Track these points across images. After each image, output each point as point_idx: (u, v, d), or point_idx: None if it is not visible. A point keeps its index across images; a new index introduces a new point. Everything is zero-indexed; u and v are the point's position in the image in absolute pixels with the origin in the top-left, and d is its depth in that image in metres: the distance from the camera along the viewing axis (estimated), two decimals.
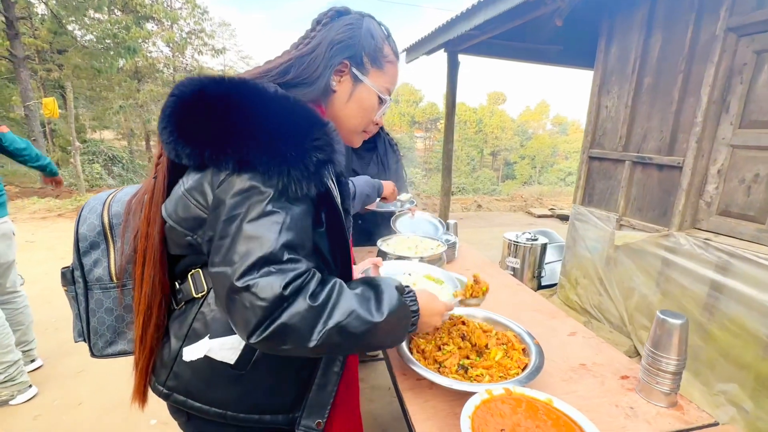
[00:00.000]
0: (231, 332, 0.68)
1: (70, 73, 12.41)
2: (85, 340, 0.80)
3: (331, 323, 0.57)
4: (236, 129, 0.58)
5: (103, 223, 0.77)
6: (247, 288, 0.53)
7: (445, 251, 1.84)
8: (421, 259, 1.73)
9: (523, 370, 1.02)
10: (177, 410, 0.76)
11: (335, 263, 0.72)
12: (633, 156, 2.39)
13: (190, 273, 0.72)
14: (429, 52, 4.78)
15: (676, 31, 2.12)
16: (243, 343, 0.69)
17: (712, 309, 1.90)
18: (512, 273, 3.37)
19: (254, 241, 0.55)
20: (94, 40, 12.11)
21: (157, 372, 0.75)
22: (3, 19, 9.51)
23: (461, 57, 4.87)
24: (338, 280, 0.62)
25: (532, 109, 35.31)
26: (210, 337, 0.69)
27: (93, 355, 0.81)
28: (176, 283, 0.76)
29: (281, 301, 0.54)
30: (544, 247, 3.28)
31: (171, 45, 14.90)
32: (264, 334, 0.53)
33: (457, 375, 0.99)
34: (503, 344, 1.09)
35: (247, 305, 0.54)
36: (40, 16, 12.22)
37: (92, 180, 11.23)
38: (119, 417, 1.95)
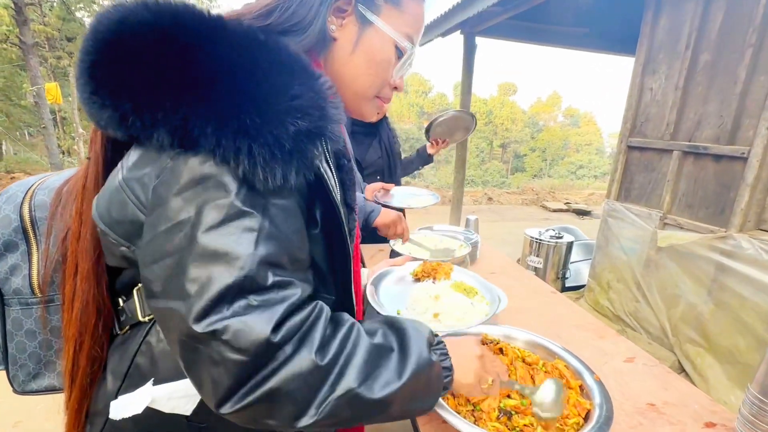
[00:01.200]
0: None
1: None
2: (4, 370, 0.62)
3: (340, 391, 0.41)
4: (166, 76, 0.40)
5: (22, 216, 0.59)
6: (213, 334, 0.37)
7: (468, 252, 1.60)
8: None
9: (584, 418, 0.77)
10: None
11: (333, 277, 0.56)
12: (684, 145, 2.09)
13: (136, 287, 0.55)
14: (444, 34, 4.49)
15: None
16: None
17: None
18: (534, 273, 3.12)
19: (218, 260, 0.38)
20: None
21: (92, 419, 0.57)
22: (12, 5, 9.48)
23: (478, 40, 4.58)
24: (355, 323, 0.47)
25: (543, 101, 34.71)
26: (155, 382, 0.51)
27: (15, 390, 0.63)
28: (120, 300, 0.58)
29: (270, 352, 0.38)
30: (570, 245, 3.02)
31: None
32: (241, 404, 0.38)
33: (498, 423, 0.75)
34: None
35: (216, 359, 0.37)
36: (48, 2, 12.23)
37: None
38: None
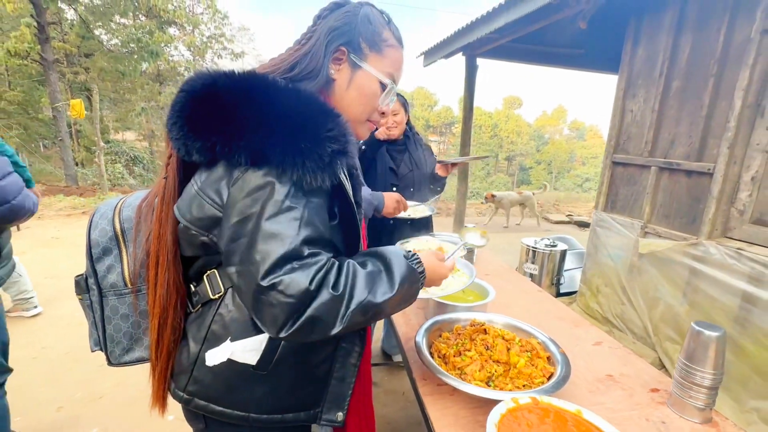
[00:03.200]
0: (251, 333, 0.68)
1: (96, 76, 12.87)
2: (101, 349, 0.79)
3: (353, 306, 0.58)
4: (248, 120, 0.58)
5: (114, 228, 0.76)
6: (273, 286, 0.54)
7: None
8: None
9: (548, 379, 0.99)
10: (194, 416, 0.75)
11: (348, 255, 0.71)
12: (660, 161, 2.31)
13: (206, 274, 0.71)
14: (447, 56, 4.76)
15: (708, 33, 2.05)
16: (264, 344, 0.68)
17: (744, 322, 1.82)
18: (530, 279, 3.30)
19: (274, 239, 0.55)
20: (119, 44, 12.55)
21: (176, 377, 0.74)
22: (35, 23, 9.92)
23: (479, 60, 4.83)
24: (350, 262, 0.63)
25: (549, 114, 34.83)
26: (231, 340, 0.68)
27: (110, 363, 0.80)
28: (192, 285, 0.75)
29: (307, 296, 0.55)
30: (563, 253, 3.21)
31: (192, 49, 15.29)
32: (293, 329, 0.55)
33: (480, 383, 0.96)
34: (527, 351, 1.07)
35: (275, 303, 0.54)
36: (69, 21, 12.71)
37: (114, 179, 11.59)
38: (139, 411, 1.99)
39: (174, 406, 0.79)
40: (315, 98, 0.63)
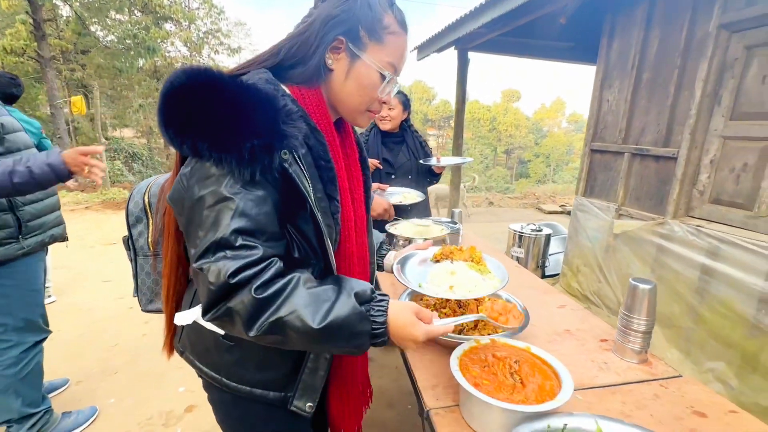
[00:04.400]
0: None
1: (93, 73, 12.88)
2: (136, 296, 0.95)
3: (273, 318, 0.58)
4: (190, 116, 0.60)
5: (144, 201, 0.90)
6: (201, 270, 0.58)
7: (448, 234, 1.99)
8: (425, 240, 1.88)
9: None
10: (190, 365, 0.84)
11: (318, 247, 0.71)
12: (632, 148, 2.49)
13: None
14: (440, 50, 4.87)
15: (673, 28, 2.21)
16: None
17: (702, 292, 2.00)
18: (517, 262, 3.48)
19: (210, 226, 0.59)
20: (116, 40, 12.54)
21: (177, 331, 0.87)
22: (31, 21, 9.94)
23: (471, 54, 4.96)
24: (300, 276, 0.62)
25: (547, 107, 34.78)
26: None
27: (142, 309, 0.97)
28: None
29: (228, 288, 0.57)
30: (548, 237, 3.39)
31: (188, 45, 15.28)
32: (214, 316, 0.59)
33: (452, 333, 1.14)
34: (496, 308, 1.24)
35: (202, 285, 0.59)
36: (64, 17, 12.66)
37: (114, 176, 11.68)
38: (151, 384, 2.17)
39: (185, 379, 0.94)
40: (252, 91, 0.61)
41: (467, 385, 0.79)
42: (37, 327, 1.70)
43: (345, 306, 0.61)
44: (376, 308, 0.65)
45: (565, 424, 0.73)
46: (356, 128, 0.93)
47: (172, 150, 0.75)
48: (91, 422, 1.88)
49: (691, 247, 2.04)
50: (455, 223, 2.21)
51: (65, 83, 13.33)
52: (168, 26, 13.76)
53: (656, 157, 2.32)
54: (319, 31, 0.69)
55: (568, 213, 8.20)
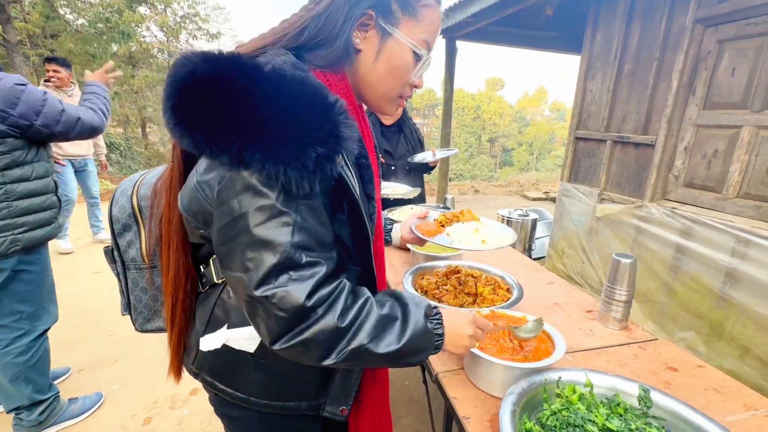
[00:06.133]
0: (248, 322, 0.63)
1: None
2: (129, 314, 0.83)
3: (354, 345, 0.54)
4: (228, 117, 0.50)
5: (132, 205, 0.76)
6: (267, 298, 0.50)
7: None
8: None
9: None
10: (205, 387, 0.77)
11: (358, 252, 0.66)
12: (614, 136, 2.63)
13: (212, 258, 0.71)
14: None
15: (653, 21, 2.33)
16: None
17: (675, 269, 2.18)
18: None
19: (266, 247, 0.51)
20: (87, 24, 11.99)
21: (188, 351, 0.76)
22: None
23: (459, 43, 5.02)
24: (370, 297, 0.59)
25: (530, 95, 35.15)
26: (228, 327, 0.68)
27: (136, 329, 0.84)
28: (201, 267, 0.74)
29: (305, 313, 0.52)
30: (534, 222, 3.54)
31: (165, 29, 14.68)
32: (285, 345, 0.53)
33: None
34: (491, 284, 1.35)
35: (269, 314, 0.51)
36: (29, 0, 12.01)
37: None
38: (153, 371, 2.21)
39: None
40: (304, 87, 0.53)
41: (474, 349, 0.90)
42: (49, 314, 1.73)
43: (415, 325, 0.60)
44: (435, 321, 0.64)
45: (560, 377, 0.84)
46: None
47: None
48: (98, 407, 1.93)
49: (666, 227, 2.21)
50: (447, 208, 2.32)
51: (34, 69, 12.70)
52: (142, 10, 13.18)
53: (636, 144, 2.47)
54: (345, 5, 0.60)
55: (552, 200, 8.46)
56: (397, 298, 0.64)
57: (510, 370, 0.87)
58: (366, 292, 0.60)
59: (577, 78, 2.91)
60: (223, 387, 0.71)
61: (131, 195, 0.76)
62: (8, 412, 1.67)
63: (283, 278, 0.51)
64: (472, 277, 1.41)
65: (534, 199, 8.68)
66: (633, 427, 0.73)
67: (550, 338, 1.02)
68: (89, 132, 1.60)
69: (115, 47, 12.17)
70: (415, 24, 0.63)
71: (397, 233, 1.20)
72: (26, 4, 11.85)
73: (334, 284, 0.55)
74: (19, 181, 1.48)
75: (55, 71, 3.22)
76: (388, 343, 0.57)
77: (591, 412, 0.76)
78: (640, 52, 2.44)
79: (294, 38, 0.62)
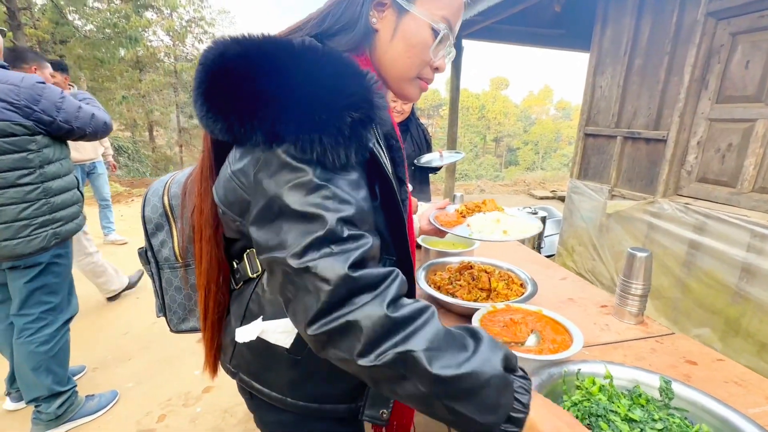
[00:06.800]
0: (284, 314, 0.63)
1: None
2: (164, 316, 0.82)
3: (403, 347, 0.45)
4: (260, 94, 0.50)
5: (164, 204, 0.76)
6: (307, 269, 0.46)
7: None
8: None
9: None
10: (242, 388, 0.74)
11: (393, 240, 0.63)
12: (624, 131, 2.61)
13: (246, 252, 0.69)
14: None
15: (663, 15, 2.31)
16: None
17: (689, 265, 2.15)
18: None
19: (306, 220, 0.48)
20: (95, 29, 12.18)
21: (224, 350, 0.74)
22: (5, 9, 9.57)
23: (465, 42, 5.02)
24: (432, 306, 0.50)
25: (535, 94, 34.98)
26: (263, 319, 0.66)
27: (171, 330, 0.83)
28: (234, 263, 0.73)
29: (349, 289, 0.46)
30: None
31: (171, 34, 14.89)
32: (324, 328, 0.46)
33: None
34: (504, 280, 1.34)
35: (310, 288, 0.46)
36: (39, 6, 12.22)
37: None
38: (167, 369, 2.23)
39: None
40: (333, 57, 0.53)
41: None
42: (71, 305, 1.79)
43: (489, 362, 0.47)
44: (518, 383, 0.50)
45: (579, 369, 0.83)
46: None
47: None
48: (113, 405, 1.95)
49: (679, 223, 2.18)
50: (457, 206, 2.31)
51: None
52: (149, 14, 13.39)
53: (647, 139, 2.45)
54: None
55: (560, 198, 8.41)
56: (471, 330, 0.52)
57: (530, 362, 0.87)
58: (428, 303, 0.51)
59: (586, 74, 2.89)
60: (259, 386, 0.68)
61: (162, 194, 0.77)
62: (28, 402, 1.70)
63: (326, 250, 0.47)
64: (485, 272, 1.41)
65: (541, 198, 8.65)
66: (656, 417, 0.72)
67: (568, 331, 1.01)
68: (103, 127, 1.67)
69: (122, 52, 12.37)
70: (433, 0, 0.62)
71: (415, 224, 1.17)
72: (36, 10, 12.09)
73: (387, 270, 0.49)
74: (54, 178, 1.56)
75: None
76: (446, 365, 0.45)
77: (612, 402, 0.75)
78: (650, 46, 2.42)
79: (317, 25, 0.62)
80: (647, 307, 2.20)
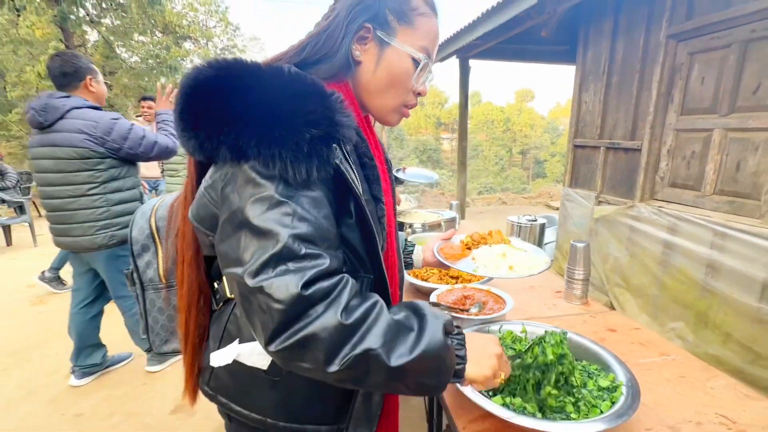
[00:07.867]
0: None
1: (119, 93, 13.80)
2: (146, 337, 0.84)
3: (361, 348, 0.48)
4: (225, 112, 0.53)
5: (150, 226, 0.79)
6: (261, 289, 0.47)
7: (444, 220, 2.39)
8: (423, 225, 2.29)
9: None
10: (221, 411, 0.74)
11: (368, 256, 0.64)
12: (606, 142, 2.83)
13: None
14: (443, 59, 5.26)
15: (633, 37, 2.56)
16: None
17: (665, 263, 2.32)
18: None
19: (264, 237, 0.49)
20: (139, 61, 13.44)
21: (203, 372, 0.74)
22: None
23: (474, 61, 5.34)
24: (380, 300, 0.54)
25: (563, 105, 34.43)
26: (240, 341, 0.66)
27: (153, 351, 0.85)
28: (215, 283, 0.74)
29: (303, 305, 0.47)
30: (542, 226, 3.71)
31: None
32: (284, 345, 0.48)
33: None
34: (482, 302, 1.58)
35: (264, 308, 0.48)
36: (92, 42, 13.60)
37: None
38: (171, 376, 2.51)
39: None
40: (297, 78, 0.55)
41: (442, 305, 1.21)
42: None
43: (432, 338, 0.53)
44: (456, 341, 0.58)
45: (501, 325, 1.12)
46: None
47: None
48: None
49: (655, 225, 2.37)
50: (452, 213, 2.61)
51: None
52: (187, 45, 14.61)
53: (625, 149, 2.66)
54: (344, 20, 0.64)
55: None
56: (414, 308, 0.58)
57: (466, 321, 1.16)
58: (375, 295, 0.55)
59: (572, 90, 3.14)
60: (238, 408, 0.67)
61: (150, 216, 0.80)
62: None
63: (281, 269, 0.48)
64: (464, 278, 1.68)
65: (557, 209, 8.67)
66: (517, 348, 1.01)
67: (502, 300, 1.31)
68: (165, 152, 2.14)
69: (163, 80, 13.54)
70: (412, 32, 0.66)
71: (419, 256, 1.13)
72: (89, 46, 13.51)
73: (336, 279, 0.51)
74: (116, 191, 2.04)
75: (149, 107, 4.02)
76: (400, 354, 0.50)
77: (515, 344, 1.03)
78: (624, 65, 2.66)
79: (297, 54, 0.66)
80: (630, 304, 2.39)
